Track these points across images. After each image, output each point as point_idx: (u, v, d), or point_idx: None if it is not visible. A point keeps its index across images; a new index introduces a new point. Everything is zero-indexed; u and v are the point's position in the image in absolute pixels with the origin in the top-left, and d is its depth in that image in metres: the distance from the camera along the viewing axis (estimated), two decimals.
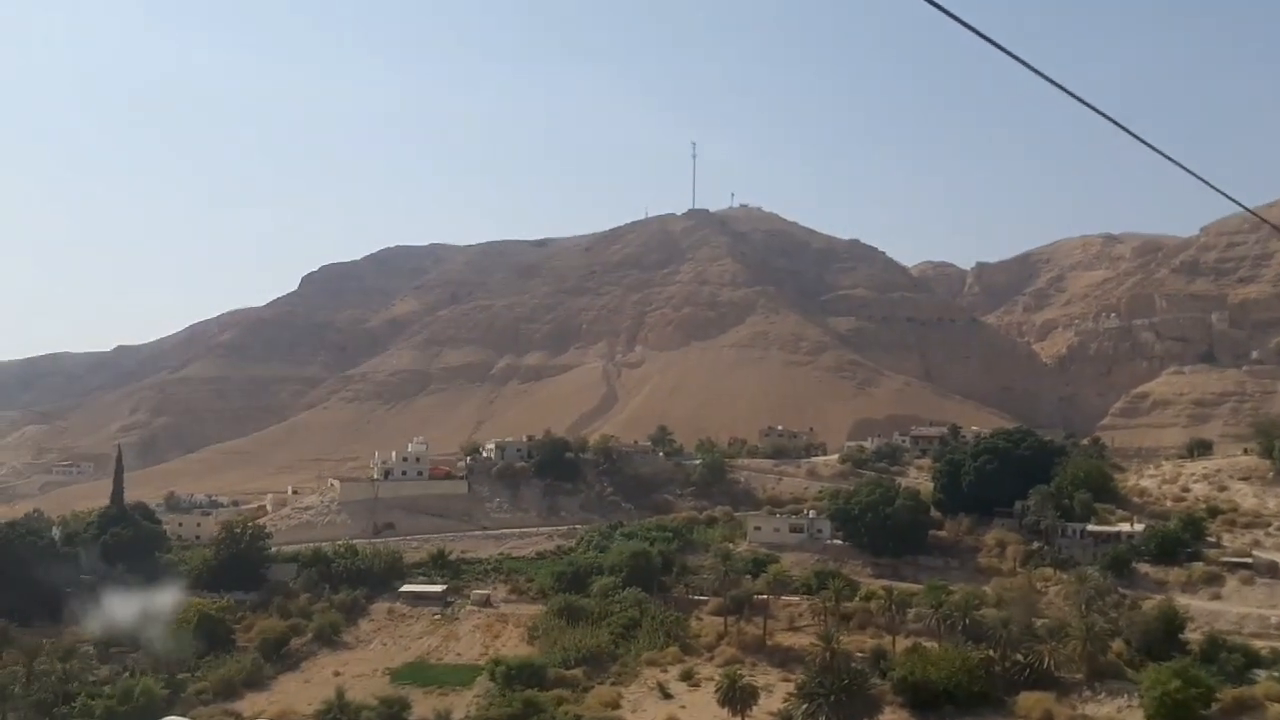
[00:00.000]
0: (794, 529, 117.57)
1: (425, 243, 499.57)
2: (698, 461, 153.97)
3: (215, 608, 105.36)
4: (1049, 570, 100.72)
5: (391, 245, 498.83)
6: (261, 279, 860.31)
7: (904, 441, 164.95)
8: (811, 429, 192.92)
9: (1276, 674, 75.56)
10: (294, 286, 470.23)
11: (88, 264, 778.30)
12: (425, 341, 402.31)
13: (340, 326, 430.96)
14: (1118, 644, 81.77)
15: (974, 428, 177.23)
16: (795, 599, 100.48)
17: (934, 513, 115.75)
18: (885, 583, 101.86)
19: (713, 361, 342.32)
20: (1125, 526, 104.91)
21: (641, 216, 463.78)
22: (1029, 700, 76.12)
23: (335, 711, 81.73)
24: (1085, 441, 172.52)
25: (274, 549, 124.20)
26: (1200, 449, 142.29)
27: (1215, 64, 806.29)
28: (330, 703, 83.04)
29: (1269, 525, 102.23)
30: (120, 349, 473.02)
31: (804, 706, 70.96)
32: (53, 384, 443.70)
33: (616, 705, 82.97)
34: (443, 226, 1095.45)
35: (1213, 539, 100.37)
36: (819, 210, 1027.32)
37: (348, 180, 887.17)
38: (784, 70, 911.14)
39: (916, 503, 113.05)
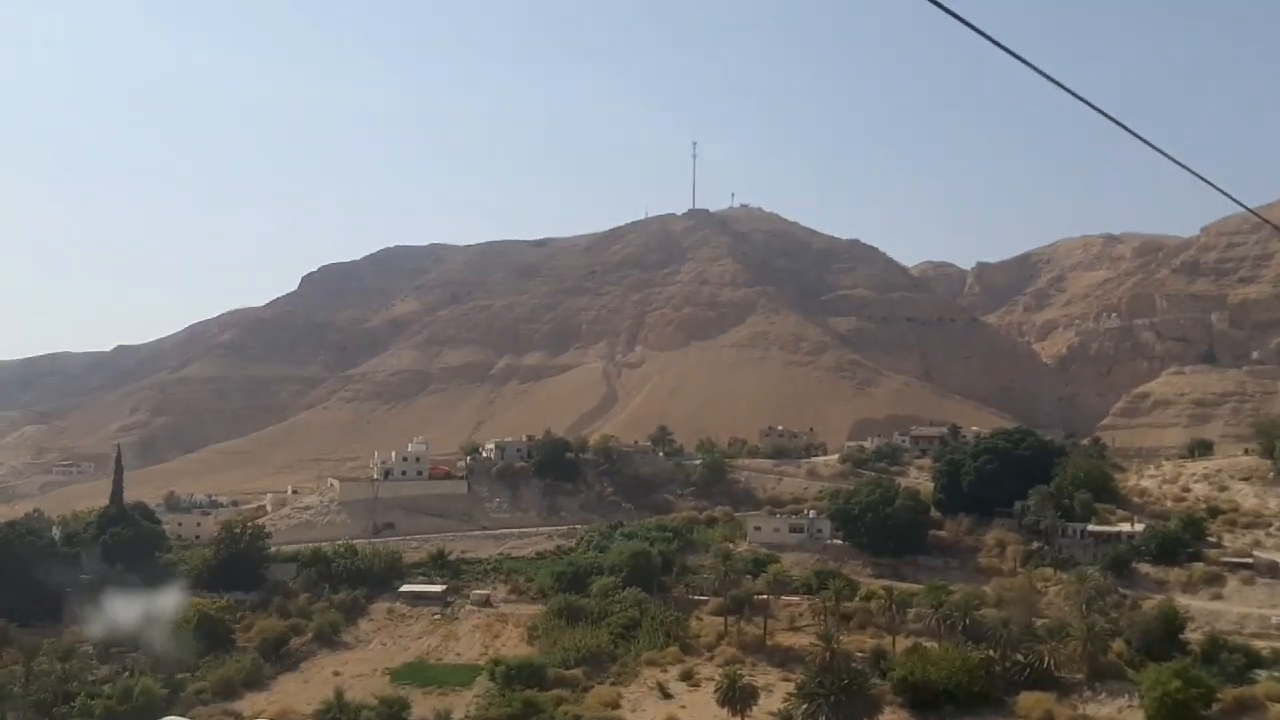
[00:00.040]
0: (794, 529, 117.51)
1: (425, 243, 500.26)
2: (698, 461, 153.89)
3: (215, 608, 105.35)
4: (1049, 570, 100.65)
5: (391, 245, 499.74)
6: (261, 279, 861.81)
7: (904, 441, 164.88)
8: (811, 429, 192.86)
9: (1277, 674, 75.50)
10: (294, 286, 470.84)
11: (88, 264, 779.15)
12: (425, 341, 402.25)
13: (340, 326, 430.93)
14: (1118, 644, 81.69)
15: (974, 428, 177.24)
16: (795, 599, 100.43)
17: (934, 513, 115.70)
18: (885, 583, 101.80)
19: (713, 361, 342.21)
20: (1126, 526, 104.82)
21: (642, 216, 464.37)
22: (1029, 700, 76.04)
23: (335, 711, 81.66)
24: (1085, 441, 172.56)
25: (273, 549, 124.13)
26: (1201, 449, 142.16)
27: (1215, 64, 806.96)
28: (330, 703, 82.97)
29: (1270, 525, 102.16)
30: (120, 349, 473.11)
31: (804, 706, 70.88)
32: (52, 384, 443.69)
33: (616, 705, 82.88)
34: (443, 226, 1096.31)
35: (1213, 539, 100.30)
36: (819, 210, 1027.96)
37: (348, 180, 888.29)
38: (784, 70, 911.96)
39: (916, 503, 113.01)
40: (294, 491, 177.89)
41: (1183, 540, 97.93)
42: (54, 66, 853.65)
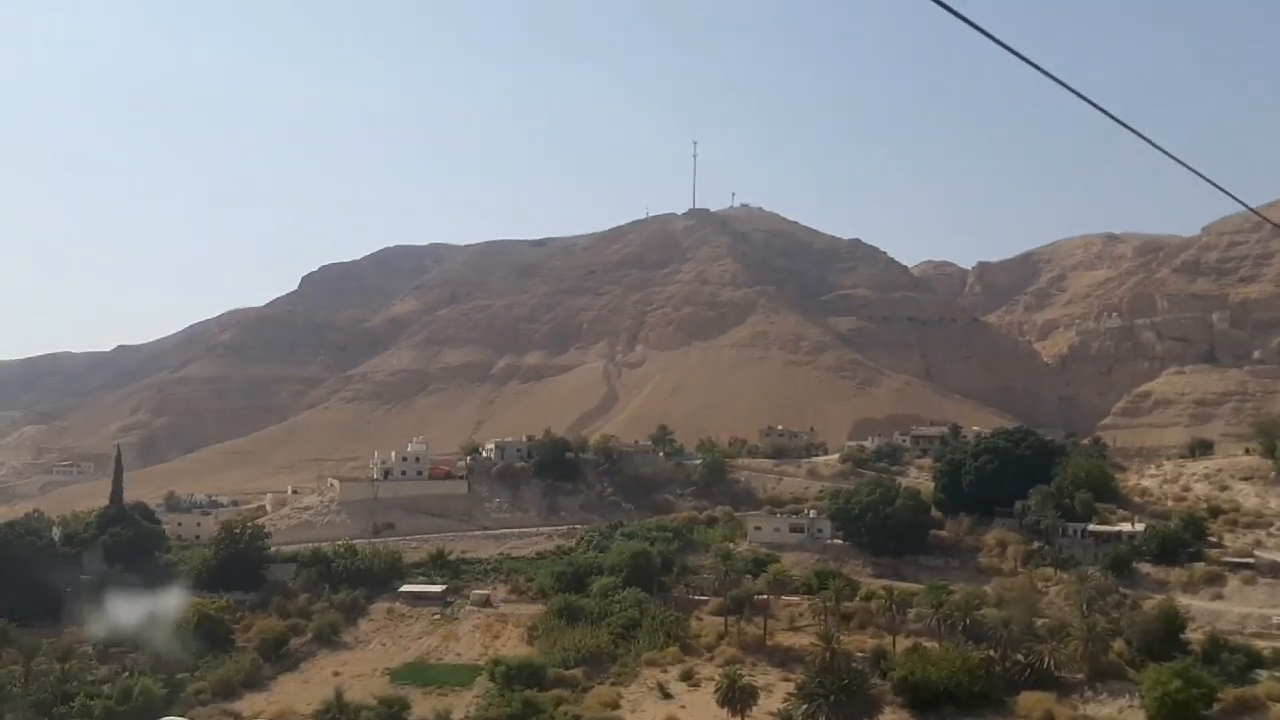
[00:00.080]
0: (794, 529, 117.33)
1: (425, 242, 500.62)
2: (698, 461, 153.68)
3: (214, 608, 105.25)
4: (1050, 570, 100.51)
5: (391, 245, 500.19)
6: (261, 279, 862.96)
7: (904, 441, 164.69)
8: (812, 429, 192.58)
9: (1278, 674, 75.34)
10: (294, 286, 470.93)
11: (88, 264, 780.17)
12: (425, 341, 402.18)
13: (340, 326, 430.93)
14: (1119, 644, 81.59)
15: (975, 427, 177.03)
16: (795, 599, 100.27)
17: (934, 512, 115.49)
18: (885, 583, 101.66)
19: (713, 361, 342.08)
20: (1126, 526, 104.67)
21: (642, 216, 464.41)
22: (1029, 700, 75.93)
23: (334, 712, 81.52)
24: (1086, 441, 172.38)
25: (273, 549, 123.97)
26: (1201, 449, 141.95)
27: (1215, 64, 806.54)
28: (329, 703, 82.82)
29: (1270, 525, 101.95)
30: (120, 349, 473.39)
31: (804, 706, 70.76)
32: (53, 384, 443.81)
33: (616, 705, 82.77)
34: (443, 226, 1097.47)
35: (1214, 539, 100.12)
36: (820, 210, 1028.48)
37: (348, 180, 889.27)
38: (784, 70, 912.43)
39: (917, 502, 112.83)
40: (294, 491, 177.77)
41: (1183, 540, 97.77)
42: (54, 66, 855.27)
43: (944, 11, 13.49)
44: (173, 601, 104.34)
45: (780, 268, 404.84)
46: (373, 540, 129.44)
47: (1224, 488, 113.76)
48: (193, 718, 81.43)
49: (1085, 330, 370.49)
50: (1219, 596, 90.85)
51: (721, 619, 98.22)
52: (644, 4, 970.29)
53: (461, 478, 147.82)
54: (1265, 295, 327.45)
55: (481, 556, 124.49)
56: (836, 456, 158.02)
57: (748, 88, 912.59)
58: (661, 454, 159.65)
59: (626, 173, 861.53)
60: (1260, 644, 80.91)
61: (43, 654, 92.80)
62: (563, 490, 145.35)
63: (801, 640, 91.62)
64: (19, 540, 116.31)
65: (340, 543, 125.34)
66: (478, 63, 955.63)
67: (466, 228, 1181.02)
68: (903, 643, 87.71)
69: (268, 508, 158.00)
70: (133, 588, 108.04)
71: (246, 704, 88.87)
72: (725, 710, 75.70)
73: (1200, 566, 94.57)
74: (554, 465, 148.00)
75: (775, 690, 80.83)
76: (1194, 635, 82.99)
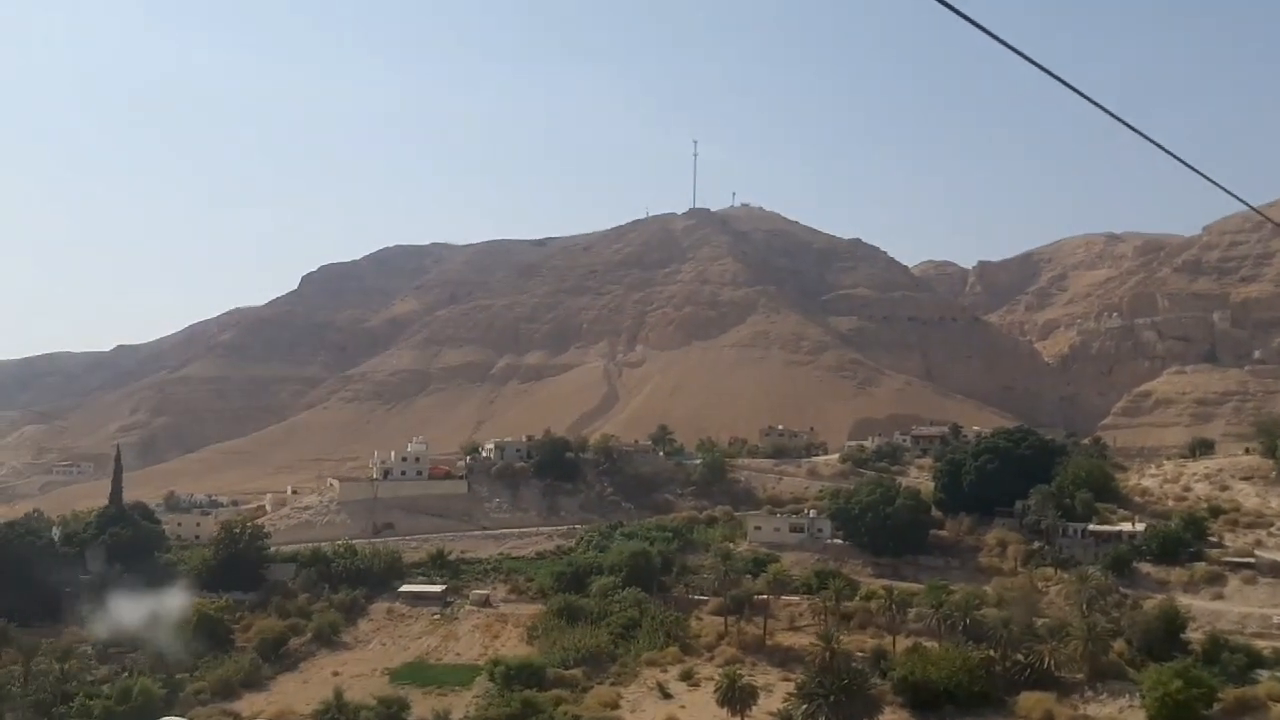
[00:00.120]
0: (794, 529, 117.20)
1: (425, 242, 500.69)
2: (698, 461, 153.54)
3: (214, 608, 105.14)
4: (1050, 570, 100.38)
5: (391, 245, 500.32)
6: (261, 279, 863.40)
7: (905, 441, 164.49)
8: (812, 428, 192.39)
9: (1279, 674, 75.20)
10: (294, 286, 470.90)
11: (88, 264, 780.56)
12: (425, 341, 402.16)
13: (340, 326, 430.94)
14: (1119, 644, 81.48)
15: (975, 427, 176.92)
16: (795, 599, 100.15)
17: (935, 512, 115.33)
18: (885, 582, 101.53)
19: (714, 361, 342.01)
20: (1127, 526, 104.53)
21: (642, 216, 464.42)
22: (1030, 700, 75.81)
23: (334, 712, 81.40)
24: (1087, 441, 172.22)
25: (273, 549, 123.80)
26: (1202, 448, 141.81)
27: (1215, 64, 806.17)
28: (329, 703, 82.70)
29: (1271, 525, 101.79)
30: (120, 349, 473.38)
31: (804, 706, 70.66)
32: (52, 384, 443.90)
33: (616, 705, 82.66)
34: (443, 226, 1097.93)
35: (1215, 539, 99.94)
36: (820, 210, 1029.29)
37: (348, 180, 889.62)
38: (784, 70, 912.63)
39: (917, 502, 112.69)
40: (293, 491, 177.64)
41: (1184, 540, 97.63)
42: (54, 66, 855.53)
43: (944, 11, 13.41)
44: (174, 601, 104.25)
45: (781, 267, 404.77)
46: (372, 540, 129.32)
47: (1224, 487, 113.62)
48: (192, 718, 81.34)
49: (1086, 330, 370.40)
50: (1219, 596, 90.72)
51: (721, 619, 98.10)
52: (644, 4, 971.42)
53: (461, 478, 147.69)
54: (1266, 295, 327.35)
55: (481, 556, 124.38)
56: (837, 456, 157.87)
57: (748, 88, 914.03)
58: (661, 454, 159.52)
59: (627, 172, 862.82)
60: (1261, 644, 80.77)
61: (42, 654, 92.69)
62: (563, 490, 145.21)
63: (801, 640, 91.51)
64: (19, 540, 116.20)
65: (340, 543, 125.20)
66: (478, 63, 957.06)
67: (467, 228, 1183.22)
68: (903, 643, 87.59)
69: (267, 508, 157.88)
70: (132, 588, 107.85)
71: (246, 704, 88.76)
72: (725, 710, 75.59)
73: (1201, 566, 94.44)
74: (554, 465, 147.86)
75: (775, 690, 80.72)
76: (1194, 635, 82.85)
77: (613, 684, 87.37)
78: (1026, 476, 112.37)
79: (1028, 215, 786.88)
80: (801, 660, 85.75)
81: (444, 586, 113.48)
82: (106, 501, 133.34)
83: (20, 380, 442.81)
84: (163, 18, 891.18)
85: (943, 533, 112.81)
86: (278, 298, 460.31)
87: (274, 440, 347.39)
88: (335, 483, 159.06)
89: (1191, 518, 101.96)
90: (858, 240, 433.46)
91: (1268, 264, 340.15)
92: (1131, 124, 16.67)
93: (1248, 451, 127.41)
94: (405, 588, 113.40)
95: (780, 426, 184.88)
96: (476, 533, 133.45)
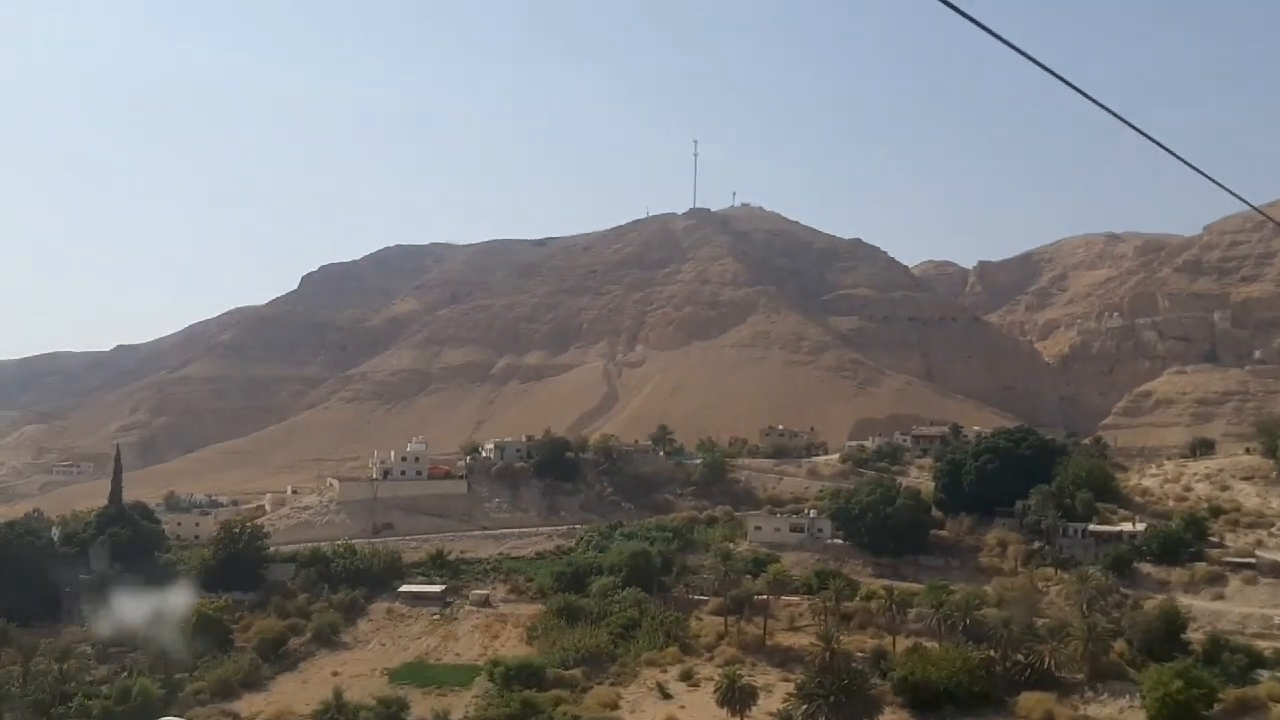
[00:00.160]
0: (794, 529, 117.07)
1: (426, 242, 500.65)
2: (698, 461, 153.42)
3: (213, 608, 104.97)
4: (1050, 570, 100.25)
5: (392, 245, 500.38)
6: (261, 279, 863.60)
7: (905, 441, 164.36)
8: (812, 428, 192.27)
9: (1279, 675, 75.07)
10: (294, 286, 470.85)
11: (87, 264, 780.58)
12: (425, 341, 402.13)
13: (340, 326, 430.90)
14: (1119, 644, 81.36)
15: (975, 427, 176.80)
16: (795, 599, 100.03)
17: (935, 512, 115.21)
18: (886, 582, 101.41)
19: (714, 361, 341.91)
20: (1127, 526, 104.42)
21: (642, 215, 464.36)
22: (1030, 701, 75.68)
23: (333, 712, 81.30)
24: (1087, 441, 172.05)
25: (272, 549, 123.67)
26: (1203, 448, 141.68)
27: (1216, 63, 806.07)
28: (328, 703, 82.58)
29: (1272, 525, 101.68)
30: (120, 349, 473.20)
31: (804, 707, 70.54)
32: (52, 384, 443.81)
33: (615, 706, 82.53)
34: (443, 226, 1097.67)
35: (1215, 539, 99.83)
36: (820, 210, 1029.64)
37: (348, 180, 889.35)
38: (784, 70, 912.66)
39: (917, 502, 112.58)
40: (293, 491, 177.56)
41: (1184, 540, 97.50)
42: (54, 66, 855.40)
43: (944, 11, 13.30)
44: (176, 600, 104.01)
45: (781, 267, 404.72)
46: (372, 540, 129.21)
47: (1225, 487, 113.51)
48: (191, 718, 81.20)
49: (1086, 330, 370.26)
50: (1220, 596, 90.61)
51: (721, 619, 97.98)
52: (644, 4, 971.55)
53: (461, 477, 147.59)
54: (1267, 295, 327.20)
55: (481, 556, 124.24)
56: (837, 456, 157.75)
57: (748, 88, 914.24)
58: (661, 454, 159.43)
59: (627, 172, 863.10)
60: (1261, 644, 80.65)
61: (41, 654, 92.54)
62: (562, 490, 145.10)
63: (801, 640, 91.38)
64: (18, 540, 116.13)
65: (339, 543, 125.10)
66: (478, 63, 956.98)
67: (467, 227, 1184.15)
68: (903, 643, 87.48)
69: (267, 507, 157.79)
70: (132, 587, 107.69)
71: (245, 704, 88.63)
72: (725, 710, 75.47)
73: (1201, 566, 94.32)
74: (554, 465, 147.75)
75: (775, 690, 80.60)
76: (1195, 635, 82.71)
77: (612, 684, 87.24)
78: (1027, 476, 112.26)
79: (1028, 215, 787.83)
80: (801, 660, 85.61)
81: (444, 587, 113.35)
82: (106, 501, 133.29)
83: (20, 380, 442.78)
84: (163, 18, 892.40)
85: (943, 533, 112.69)
86: (278, 297, 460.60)
87: (274, 440, 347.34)
88: (335, 483, 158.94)
89: (1192, 518, 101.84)
90: (858, 240, 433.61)
91: (1268, 264, 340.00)
92: (1132, 122, 16.56)
93: (1248, 451, 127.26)
94: (405, 588, 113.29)
95: (780, 426, 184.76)
96: (476, 533, 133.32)
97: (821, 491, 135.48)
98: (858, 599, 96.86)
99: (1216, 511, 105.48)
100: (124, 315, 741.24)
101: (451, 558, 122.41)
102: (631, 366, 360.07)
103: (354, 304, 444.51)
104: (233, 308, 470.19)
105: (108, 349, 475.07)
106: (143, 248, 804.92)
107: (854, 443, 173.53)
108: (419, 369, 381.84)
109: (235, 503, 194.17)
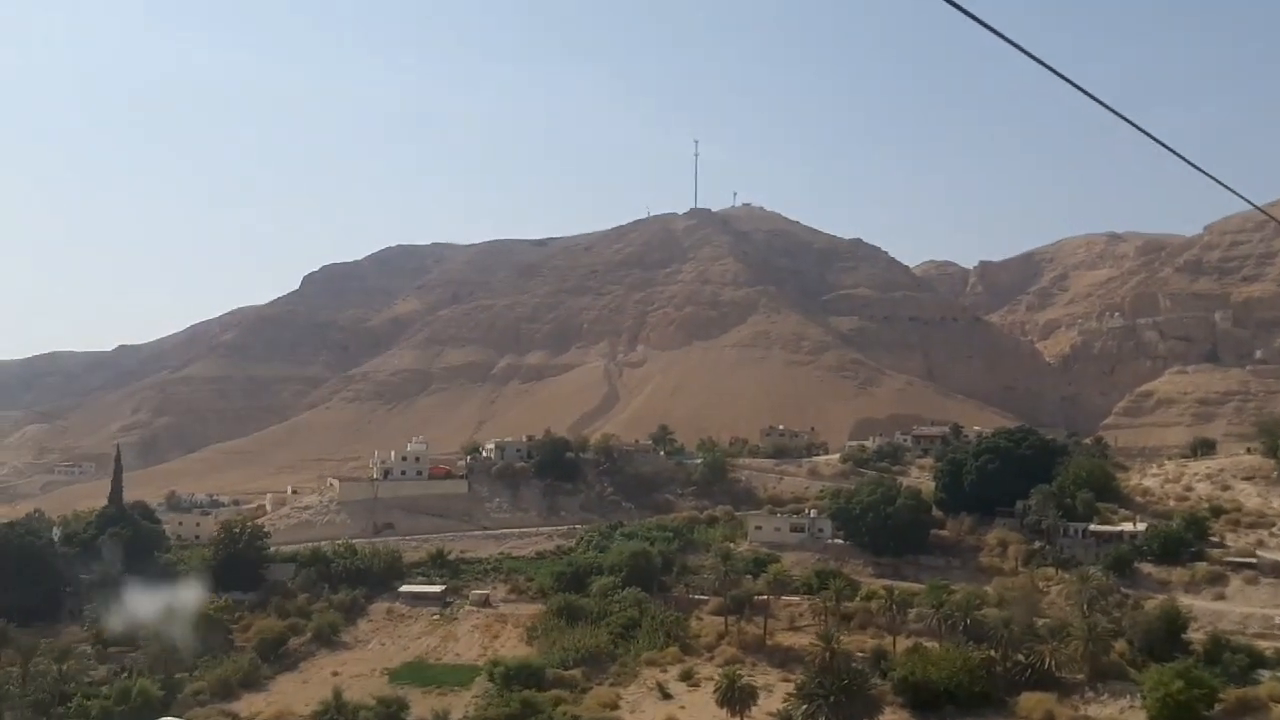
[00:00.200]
0: (795, 529, 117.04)
1: (427, 242, 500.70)
2: (699, 461, 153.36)
3: (213, 607, 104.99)
4: (1051, 570, 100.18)
5: (393, 245, 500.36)
6: (262, 279, 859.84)
7: (906, 441, 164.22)
8: (813, 428, 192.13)
9: None
10: (295, 286, 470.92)
11: (88, 264, 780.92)
12: (426, 341, 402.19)
13: (342, 326, 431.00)
14: (1120, 644, 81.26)
15: (976, 427, 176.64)
16: (796, 599, 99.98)
17: (935, 512, 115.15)
18: (886, 582, 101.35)
19: (714, 361, 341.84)
20: (1128, 526, 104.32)
21: (643, 215, 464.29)
22: (1030, 701, 75.59)
23: (333, 712, 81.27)
24: (1088, 441, 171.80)
25: (273, 549, 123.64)
26: (1204, 448, 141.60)
27: (1216, 63, 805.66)
28: (328, 703, 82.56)
29: (1273, 525, 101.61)
30: (121, 348, 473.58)
31: (804, 707, 70.48)
32: (53, 384, 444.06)
33: (615, 706, 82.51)
34: (444, 226, 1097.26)
35: (1216, 539, 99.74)
36: (821, 210, 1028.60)
37: (348, 180, 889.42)
38: (784, 70, 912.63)
39: (918, 502, 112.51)
40: (294, 491, 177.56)
41: (1185, 540, 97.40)
42: (54, 66, 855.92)
43: (944, 11, 13.22)
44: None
45: (781, 267, 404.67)
46: (372, 540, 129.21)
47: (1226, 487, 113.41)
48: (191, 718, 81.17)
49: (1087, 330, 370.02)
50: (1221, 596, 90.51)
51: (721, 619, 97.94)
52: (644, 4, 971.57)
53: (462, 477, 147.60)
54: (1268, 294, 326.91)
55: (481, 556, 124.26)
56: (837, 456, 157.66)
57: (748, 88, 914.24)
58: (662, 454, 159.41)
59: (627, 172, 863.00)
60: (1262, 644, 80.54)
61: (41, 654, 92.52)
62: (563, 490, 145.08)
63: (801, 640, 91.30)
64: (19, 540, 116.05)
65: (340, 542, 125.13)
66: (478, 63, 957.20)
67: (468, 227, 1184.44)
68: (903, 643, 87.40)
69: (267, 507, 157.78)
70: (132, 588, 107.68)
71: (245, 704, 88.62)
72: (725, 710, 75.41)
73: (1202, 566, 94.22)
74: (554, 465, 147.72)
75: (775, 690, 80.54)
76: (1196, 635, 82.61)
77: (612, 684, 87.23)
78: (1027, 476, 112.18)
79: (1029, 215, 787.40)
80: (801, 660, 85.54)
81: (444, 586, 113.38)
82: (107, 501, 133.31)
83: (22, 380, 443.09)
84: (163, 18, 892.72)
85: (943, 533, 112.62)
86: (279, 297, 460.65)
87: (275, 440, 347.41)
88: (335, 482, 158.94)
89: (1193, 518, 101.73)
90: (858, 240, 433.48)
91: (1269, 264, 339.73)
92: (1132, 120, 16.50)
93: (1249, 451, 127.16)
94: (405, 588, 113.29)
95: (781, 426, 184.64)
96: (476, 533, 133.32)
97: (822, 491, 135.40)
98: (858, 599, 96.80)
99: (1217, 511, 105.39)
100: (125, 315, 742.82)
101: (452, 558, 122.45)
102: (632, 366, 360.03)
103: (355, 304, 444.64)
104: (234, 308, 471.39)
105: (109, 349, 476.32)
106: (143, 248, 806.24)
107: (854, 443, 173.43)
108: (420, 369, 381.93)
109: (236, 503, 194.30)
